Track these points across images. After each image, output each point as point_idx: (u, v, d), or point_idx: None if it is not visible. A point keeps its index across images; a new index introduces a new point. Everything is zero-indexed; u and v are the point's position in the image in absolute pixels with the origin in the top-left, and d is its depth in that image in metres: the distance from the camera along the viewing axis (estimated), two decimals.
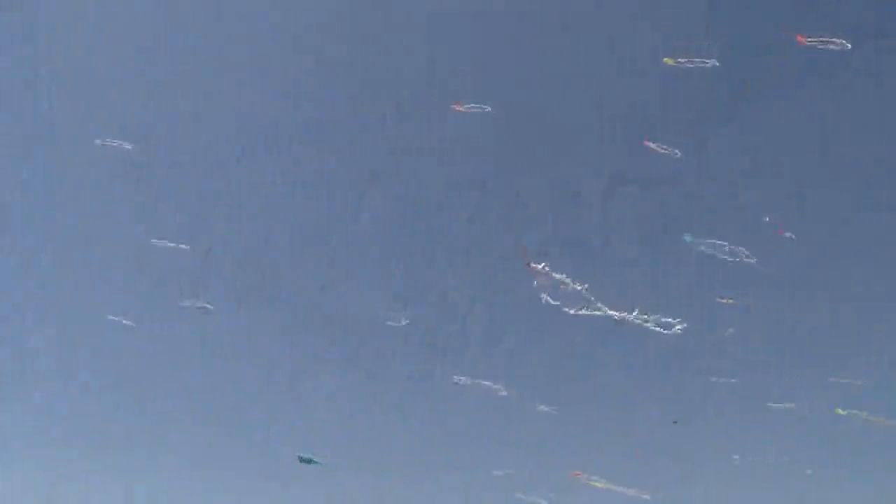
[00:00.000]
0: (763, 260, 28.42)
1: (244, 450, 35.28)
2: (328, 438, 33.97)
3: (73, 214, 38.10)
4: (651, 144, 29.81)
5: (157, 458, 35.09)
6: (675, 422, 32.12)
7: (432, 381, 34.87)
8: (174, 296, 34.42)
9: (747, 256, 28.09)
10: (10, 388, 36.94)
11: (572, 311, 23.59)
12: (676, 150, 29.70)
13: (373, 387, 36.36)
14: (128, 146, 33.42)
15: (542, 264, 24.73)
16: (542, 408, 31.72)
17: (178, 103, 37.27)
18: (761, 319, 32.60)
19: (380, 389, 36.30)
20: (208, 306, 33.36)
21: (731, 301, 30.59)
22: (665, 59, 27.93)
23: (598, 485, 29.11)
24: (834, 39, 26.14)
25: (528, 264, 24.38)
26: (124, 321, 33.72)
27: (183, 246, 33.24)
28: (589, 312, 24.10)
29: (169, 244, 33.13)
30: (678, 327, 22.40)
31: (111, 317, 34.01)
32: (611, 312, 23.56)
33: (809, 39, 26.42)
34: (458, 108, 31.26)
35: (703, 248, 28.24)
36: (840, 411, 29.80)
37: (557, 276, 24.29)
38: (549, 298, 23.78)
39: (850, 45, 26.00)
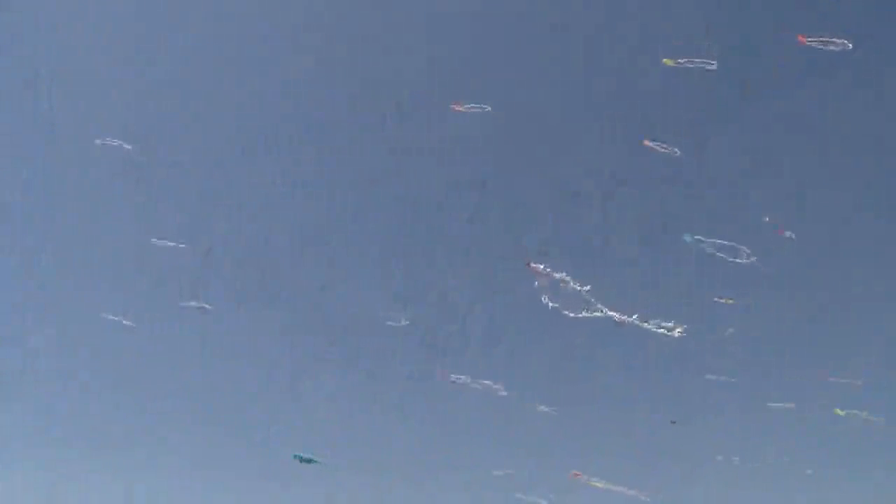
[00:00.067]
0: (763, 260, 28.37)
1: (244, 450, 35.30)
2: (328, 438, 34.03)
3: (73, 214, 38.20)
4: (651, 144, 29.75)
5: (157, 458, 35.13)
6: (673, 422, 32.10)
7: (432, 381, 34.86)
8: (174, 296, 34.45)
9: (747, 256, 28.02)
10: (10, 388, 36.95)
11: (572, 315, 23.54)
12: (676, 150, 29.64)
13: (373, 387, 36.40)
14: (128, 146, 33.34)
15: (543, 264, 24.69)
16: (542, 408, 31.70)
17: (178, 103, 37.40)
18: (761, 319, 32.66)
19: (380, 389, 36.33)
20: (207, 306, 33.34)
21: (730, 301, 30.57)
22: (665, 60, 27.86)
23: (597, 485, 29.04)
24: (834, 39, 26.05)
25: (528, 264, 24.31)
26: (124, 321, 33.67)
27: (183, 246, 33.23)
28: (589, 314, 24.04)
29: (169, 244, 33.08)
30: (678, 330, 22.31)
31: (111, 317, 33.97)
32: (611, 314, 23.47)
33: (809, 39, 26.33)
34: (457, 108, 31.18)
35: (702, 247, 28.18)
36: (840, 411, 29.78)
37: (558, 275, 24.23)
38: (549, 300, 23.72)
39: (850, 45, 25.93)
